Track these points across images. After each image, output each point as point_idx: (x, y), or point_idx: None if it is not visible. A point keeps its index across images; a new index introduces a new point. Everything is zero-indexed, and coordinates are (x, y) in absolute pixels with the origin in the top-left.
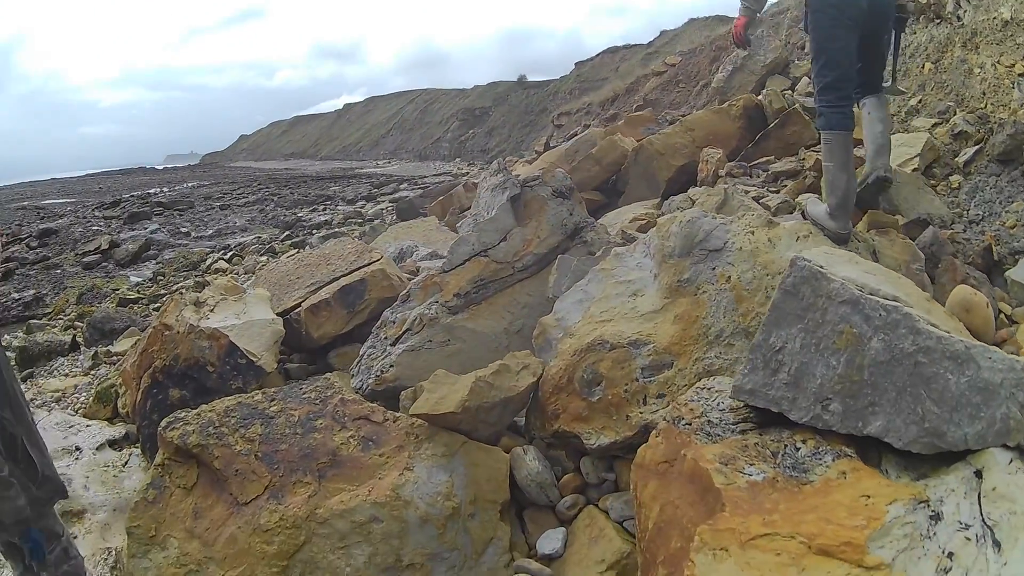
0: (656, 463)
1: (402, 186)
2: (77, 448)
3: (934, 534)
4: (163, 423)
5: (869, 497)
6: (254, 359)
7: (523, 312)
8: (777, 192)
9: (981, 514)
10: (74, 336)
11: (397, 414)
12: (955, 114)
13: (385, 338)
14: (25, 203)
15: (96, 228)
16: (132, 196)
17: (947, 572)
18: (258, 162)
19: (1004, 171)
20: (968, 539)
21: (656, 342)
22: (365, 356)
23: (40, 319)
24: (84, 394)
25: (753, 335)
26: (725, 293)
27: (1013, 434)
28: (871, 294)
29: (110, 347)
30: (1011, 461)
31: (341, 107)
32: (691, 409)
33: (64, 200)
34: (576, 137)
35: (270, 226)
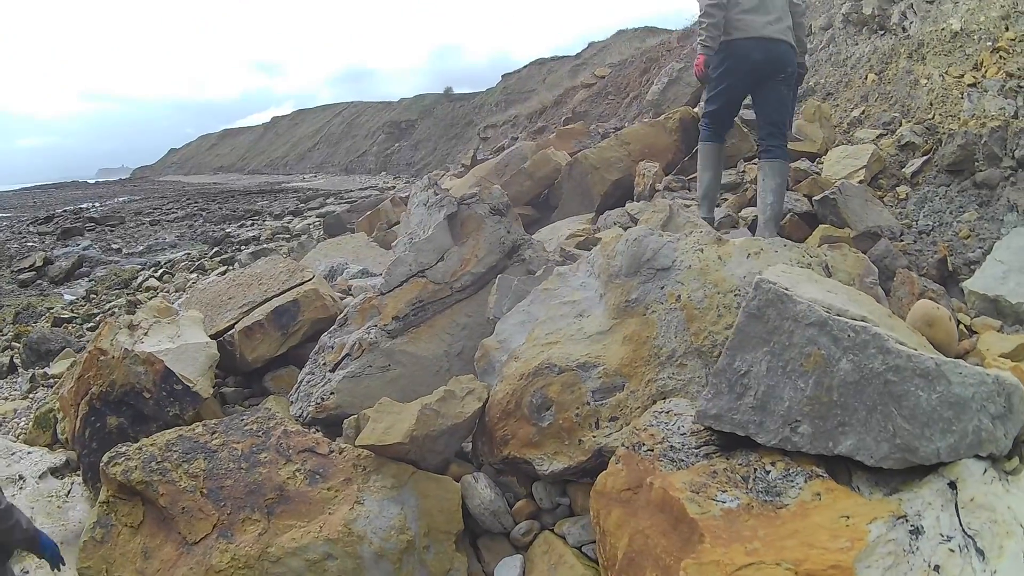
0: (618, 491)
1: (328, 200)
2: (20, 477)
3: (917, 549)
4: (105, 458)
5: (848, 517)
6: (190, 384)
7: (463, 334)
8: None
9: (961, 525)
10: (11, 357)
11: (342, 445)
12: (901, 125)
13: (324, 364)
14: None
15: (31, 244)
16: (65, 211)
17: None
18: (187, 176)
19: (954, 181)
20: (952, 551)
21: (606, 364)
22: (304, 382)
23: None
24: (23, 419)
25: (706, 355)
26: (675, 312)
27: (985, 444)
28: (838, 315)
29: (47, 369)
30: (985, 471)
31: (268, 120)
32: (651, 434)
33: None
34: (506, 151)
35: (199, 242)
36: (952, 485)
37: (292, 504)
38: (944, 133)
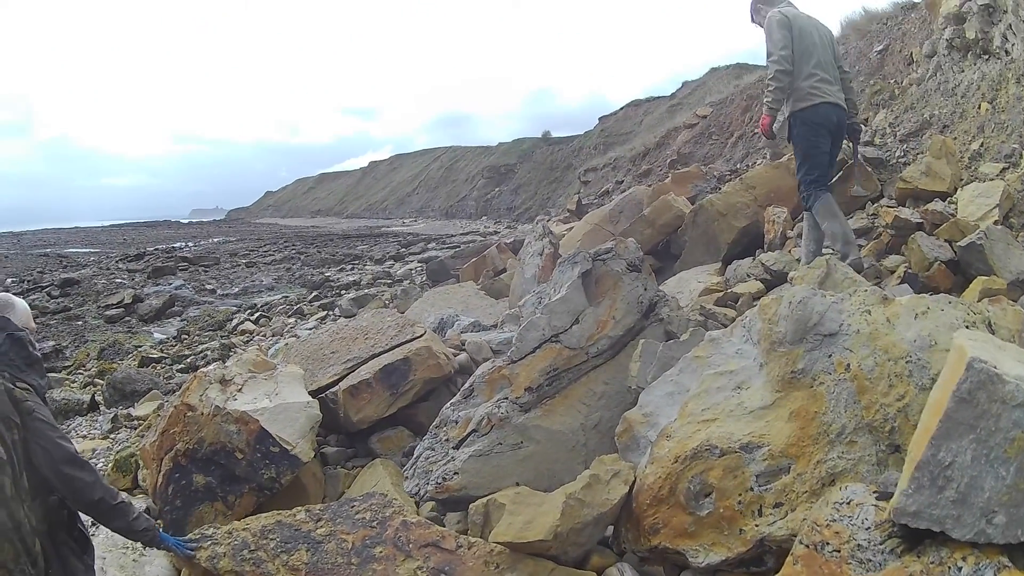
0: None
1: (430, 245)
2: (94, 523)
3: None
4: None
5: None
6: (288, 447)
7: (600, 404)
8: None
9: None
10: (93, 395)
11: (471, 539)
12: (1023, 157)
13: (447, 440)
14: (47, 250)
15: (120, 281)
16: (156, 249)
17: None
18: (284, 219)
19: None
20: None
21: (771, 444)
22: (421, 459)
23: (59, 372)
24: (103, 460)
25: (877, 430)
26: (845, 384)
27: None
28: None
29: (131, 410)
30: None
31: (366, 164)
32: (835, 532)
33: (87, 249)
34: (620, 196)
35: (297, 285)
36: None
37: None
38: None
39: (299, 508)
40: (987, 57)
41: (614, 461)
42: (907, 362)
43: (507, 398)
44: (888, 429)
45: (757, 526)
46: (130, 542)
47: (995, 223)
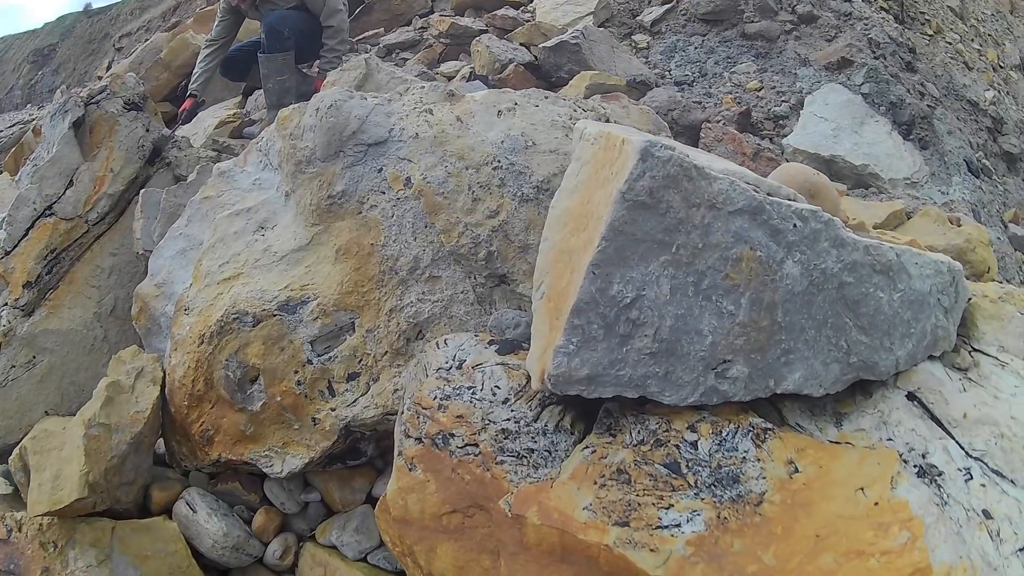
0: (436, 516)
1: None
2: None
3: (948, 498)
4: None
5: (863, 489)
6: None
7: (111, 282)
8: (400, 66)
9: (963, 448)
10: None
11: (17, 515)
12: None
13: None
14: None
15: None
16: None
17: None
18: None
19: (712, 31)
20: (983, 486)
21: (320, 296)
22: None
23: None
24: None
25: (467, 258)
26: (408, 204)
27: (940, 343)
28: (770, 193)
29: None
30: (952, 377)
31: None
32: (459, 417)
33: None
34: (142, 46)
35: None
36: (912, 397)
37: None
38: None
39: None
40: None
41: (134, 356)
42: (495, 168)
43: (7, 304)
44: (483, 255)
45: (333, 410)
46: None
47: None
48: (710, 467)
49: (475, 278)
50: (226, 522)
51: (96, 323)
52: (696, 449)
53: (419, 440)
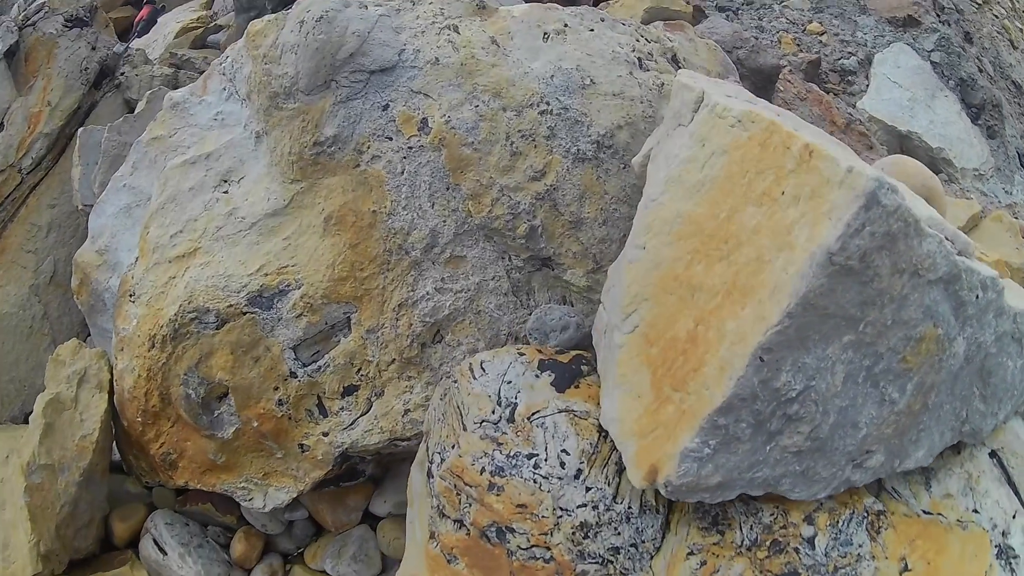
0: None
1: None
2: None
3: None
4: None
5: None
6: None
7: (50, 242)
8: None
9: None
10: None
11: None
12: None
13: None
14: None
15: None
16: None
17: None
18: None
19: None
20: None
21: (304, 281)
22: None
23: None
24: None
25: (501, 233)
26: (424, 155)
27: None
28: (960, 252)
29: None
30: None
31: None
32: (522, 506)
33: None
34: None
35: None
36: (994, 455)
37: None
38: None
39: None
40: None
41: (75, 353)
42: (542, 113)
43: None
44: (523, 231)
45: (326, 435)
46: None
47: None
48: (827, 571)
49: (510, 260)
50: (202, 563)
51: (34, 298)
52: (813, 548)
53: (461, 525)
